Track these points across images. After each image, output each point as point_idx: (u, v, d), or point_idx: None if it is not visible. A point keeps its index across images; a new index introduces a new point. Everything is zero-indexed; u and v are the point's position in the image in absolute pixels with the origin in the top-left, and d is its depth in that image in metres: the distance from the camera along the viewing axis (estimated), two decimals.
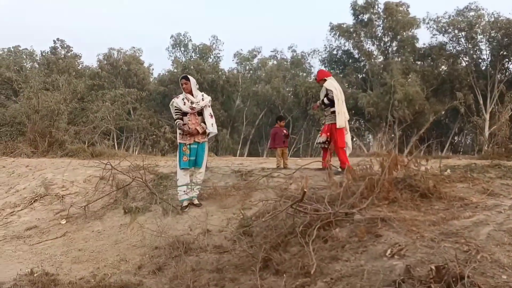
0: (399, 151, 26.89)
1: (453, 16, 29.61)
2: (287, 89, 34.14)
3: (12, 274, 4.55)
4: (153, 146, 24.79)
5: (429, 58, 31.14)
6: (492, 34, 28.52)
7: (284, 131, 7.65)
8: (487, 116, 28.32)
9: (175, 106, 6.02)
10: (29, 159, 9.98)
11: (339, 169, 6.79)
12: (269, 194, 5.83)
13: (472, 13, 29.04)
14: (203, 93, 6.19)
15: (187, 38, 36.07)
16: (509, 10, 51.80)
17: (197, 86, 6.21)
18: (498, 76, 29.45)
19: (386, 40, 32.15)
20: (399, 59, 31.14)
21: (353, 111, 29.51)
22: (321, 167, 7.14)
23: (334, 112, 6.84)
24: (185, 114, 5.96)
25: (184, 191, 5.88)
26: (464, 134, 34.37)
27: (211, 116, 6.10)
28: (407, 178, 4.55)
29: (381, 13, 30.94)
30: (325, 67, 34.07)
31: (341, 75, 31.17)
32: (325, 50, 33.50)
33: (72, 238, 5.66)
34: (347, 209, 4.19)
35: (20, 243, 5.70)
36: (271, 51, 37.45)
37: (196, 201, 5.96)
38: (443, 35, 30.37)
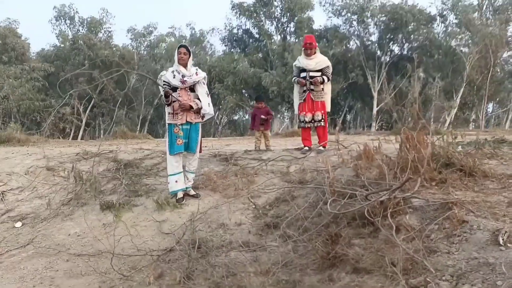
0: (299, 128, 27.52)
1: (346, 0, 31.09)
2: None
3: None
4: (51, 129, 22.02)
5: (325, 39, 32.40)
6: (381, 18, 30.58)
7: (262, 115, 7.04)
8: (375, 95, 30.60)
9: (164, 80, 5.12)
10: None
11: (321, 148, 6.53)
12: (273, 179, 5.36)
13: None
14: (197, 67, 5.33)
15: (73, 10, 32.58)
16: None
17: (193, 62, 5.35)
18: (385, 57, 31.85)
19: (284, 20, 32.74)
20: (297, 40, 31.92)
21: (256, 90, 29.77)
22: (300, 146, 6.80)
23: (323, 89, 6.51)
24: (174, 90, 5.10)
25: (176, 181, 5.09)
26: (355, 111, 36.72)
27: (208, 94, 5.31)
28: (441, 157, 4.41)
29: None
30: (225, 46, 33.74)
31: (242, 54, 31.04)
32: (225, 28, 33.04)
33: (44, 245, 4.55)
34: (400, 194, 3.90)
35: None
36: (169, 28, 35.70)
37: (192, 192, 5.20)
38: (338, 18, 31.80)
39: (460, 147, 5.09)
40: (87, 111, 29.54)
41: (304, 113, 6.53)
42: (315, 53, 6.57)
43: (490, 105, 34.56)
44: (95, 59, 29.11)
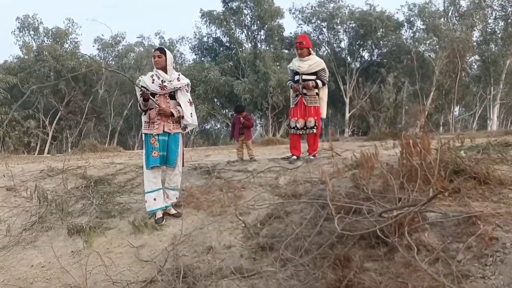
0: (273, 135, 27.30)
1: (315, 7, 31.20)
2: None
3: None
4: (15, 144, 20.76)
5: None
6: (350, 25, 30.77)
7: (242, 119, 6.48)
8: (347, 101, 30.65)
9: (141, 85, 4.55)
10: None
11: (311, 157, 6.08)
12: (263, 193, 4.86)
13: (332, 5, 30.98)
14: (179, 73, 4.80)
15: (37, 20, 31.40)
16: (364, 2, 56.79)
17: (174, 65, 4.78)
18: (355, 64, 32.01)
19: (254, 28, 32.56)
20: (268, 47, 31.78)
21: (228, 98, 29.41)
22: (288, 155, 6.33)
23: (318, 94, 6.07)
24: (152, 96, 4.54)
25: (155, 199, 4.53)
26: (327, 118, 36.74)
27: (191, 103, 4.77)
28: (449, 164, 4.02)
29: (249, 2, 31.13)
30: (196, 54, 33.26)
31: (213, 63, 30.60)
32: (195, 37, 32.59)
33: (3, 280, 3.89)
34: (410, 206, 3.47)
35: None
36: (138, 37, 34.94)
37: (173, 211, 4.64)
38: (308, 25, 31.83)
39: (462, 152, 4.74)
40: (54, 124, 28.33)
41: (296, 118, 6.05)
42: (308, 54, 6.11)
43: (457, 109, 35.22)
44: (61, 70, 28.00)
